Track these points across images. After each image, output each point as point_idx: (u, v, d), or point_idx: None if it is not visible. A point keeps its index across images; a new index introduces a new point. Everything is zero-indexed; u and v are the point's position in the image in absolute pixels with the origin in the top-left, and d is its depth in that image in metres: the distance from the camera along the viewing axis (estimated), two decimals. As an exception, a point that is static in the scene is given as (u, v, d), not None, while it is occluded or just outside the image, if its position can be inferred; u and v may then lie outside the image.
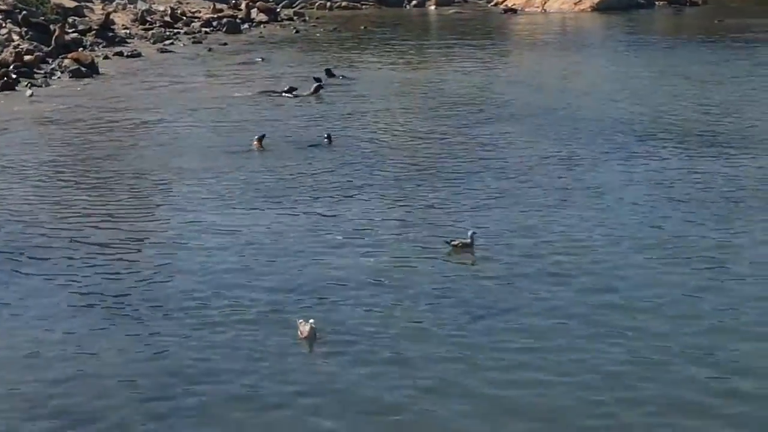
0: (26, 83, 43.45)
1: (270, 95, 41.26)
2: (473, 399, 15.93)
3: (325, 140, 32.88)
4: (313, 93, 41.51)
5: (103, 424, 15.32)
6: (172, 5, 67.07)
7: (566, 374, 16.62)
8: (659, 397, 15.90)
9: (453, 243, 22.50)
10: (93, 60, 48.19)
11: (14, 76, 43.77)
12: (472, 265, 21.88)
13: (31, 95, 41.69)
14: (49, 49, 49.36)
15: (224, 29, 62.87)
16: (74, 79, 45.52)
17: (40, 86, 43.81)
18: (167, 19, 63.52)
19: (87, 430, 15.20)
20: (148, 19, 62.43)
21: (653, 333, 18.08)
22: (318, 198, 26.76)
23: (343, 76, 45.77)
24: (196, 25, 63.85)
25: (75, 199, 26.97)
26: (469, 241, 22.45)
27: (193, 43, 57.25)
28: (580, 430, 15.05)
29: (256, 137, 32.65)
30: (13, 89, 42.45)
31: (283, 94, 41.24)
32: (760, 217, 24.80)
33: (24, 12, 52.84)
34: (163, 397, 16.08)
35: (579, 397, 15.88)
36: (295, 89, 41.66)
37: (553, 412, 15.50)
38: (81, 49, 50.95)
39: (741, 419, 15.22)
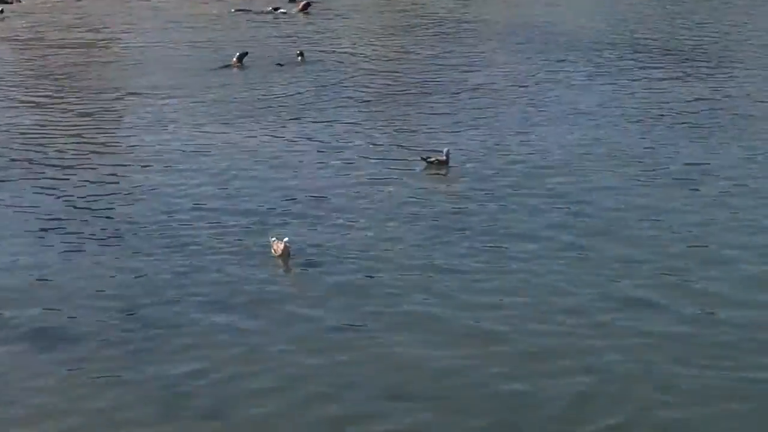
0: (-3, 0, 42.79)
1: (251, 12, 40.76)
2: (439, 323, 15.86)
3: (298, 58, 32.61)
4: (301, 10, 41.06)
5: (75, 343, 15.29)
6: None
7: (535, 297, 16.50)
8: (628, 321, 15.74)
9: (429, 160, 22.47)
10: (65, -24, 47.32)
11: (-16, -6, 43.04)
12: (447, 182, 21.87)
13: (2, 12, 41.06)
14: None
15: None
16: (46, -4, 44.82)
17: (11, 3, 43.11)
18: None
19: (59, 348, 15.19)
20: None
21: (624, 255, 17.97)
22: (294, 117, 26.59)
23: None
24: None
25: (46, 119, 26.71)
26: (444, 158, 22.43)
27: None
28: (543, 353, 14.84)
29: (236, 55, 32.33)
30: (-16, 7, 41.82)
31: (271, 10, 40.76)
32: (734, 135, 24.83)
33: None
34: (135, 315, 16.07)
35: (544, 321, 15.73)
36: (279, 8, 41.18)
37: (519, 336, 15.35)
38: (53, -35, 49.94)
39: (711, 346, 15.05)
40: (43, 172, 22.50)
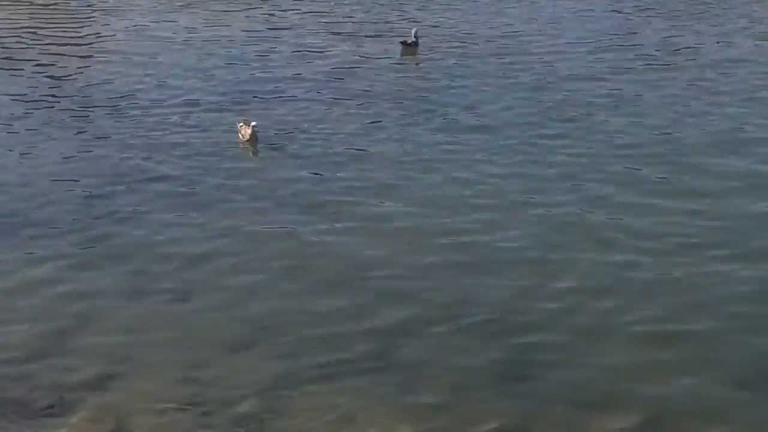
0: None
1: None
2: (411, 196, 15.71)
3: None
4: None
5: (38, 228, 15.03)
6: None
7: (498, 188, 16.11)
8: (593, 214, 15.25)
9: (407, 42, 22.13)
10: None
11: None
12: (418, 67, 21.55)
13: None
14: None
15: None
16: None
17: None
18: None
19: (21, 233, 14.92)
20: None
21: (591, 142, 17.60)
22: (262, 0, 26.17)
23: None
24: None
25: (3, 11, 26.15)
26: (414, 39, 22.10)
27: None
28: (506, 246, 14.35)
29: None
30: None
31: None
32: (712, 14, 24.51)
33: None
34: (104, 198, 15.84)
35: (507, 210, 15.32)
36: None
37: (490, 208, 15.21)
38: None
39: (684, 214, 14.87)
40: (2, 63, 21.99)
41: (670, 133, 17.85)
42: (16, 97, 20.00)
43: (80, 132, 18.38)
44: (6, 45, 23.24)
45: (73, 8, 26.20)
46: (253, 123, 17.74)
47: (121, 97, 19.91)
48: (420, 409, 10.66)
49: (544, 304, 12.54)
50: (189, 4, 25.98)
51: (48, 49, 22.87)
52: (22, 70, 21.58)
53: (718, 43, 22.64)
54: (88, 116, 19.06)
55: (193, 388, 11.24)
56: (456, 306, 12.55)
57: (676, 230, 14.36)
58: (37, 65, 21.82)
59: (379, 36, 23.30)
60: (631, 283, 13.00)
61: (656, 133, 17.93)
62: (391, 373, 11.31)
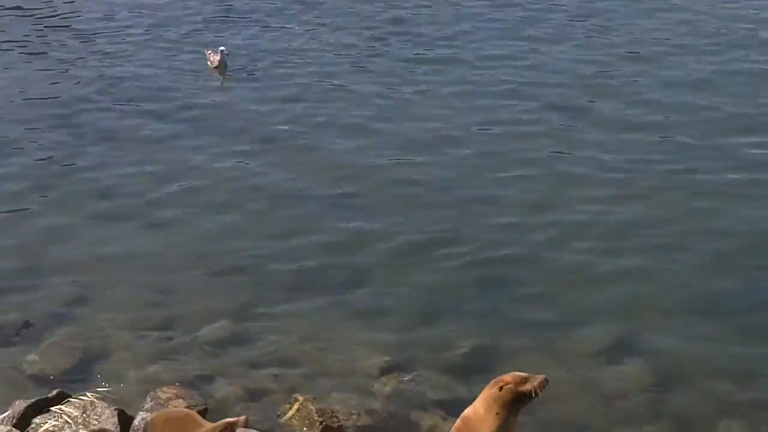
0: None
1: None
2: (383, 133, 15.42)
3: None
4: None
5: (6, 150, 14.86)
6: None
7: (479, 100, 16.22)
8: (578, 128, 15.45)
9: None
10: None
11: None
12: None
13: None
14: None
15: None
16: None
17: None
18: None
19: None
20: None
21: (568, 62, 17.64)
22: None
23: None
24: None
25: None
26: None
27: None
28: (491, 155, 14.63)
29: None
30: None
31: None
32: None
33: None
34: (68, 123, 15.63)
35: (489, 131, 15.39)
36: None
37: (464, 145, 14.98)
38: None
39: (664, 153, 14.69)
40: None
41: (649, 67, 17.65)
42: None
43: (45, 59, 18.09)
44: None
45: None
46: (221, 48, 17.52)
47: (88, 24, 19.61)
48: (392, 339, 10.66)
49: (519, 241, 12.43)
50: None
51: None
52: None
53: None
54: (53, 39, 18.75)
55: (162, 315, 11.19)
56: (429, 243, 12.44)
57: (654, 168, 14.22)
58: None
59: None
60: (608, 221, 12.91)
61: (636, 65, 17.71)
62: (365, 303, 11.26)
